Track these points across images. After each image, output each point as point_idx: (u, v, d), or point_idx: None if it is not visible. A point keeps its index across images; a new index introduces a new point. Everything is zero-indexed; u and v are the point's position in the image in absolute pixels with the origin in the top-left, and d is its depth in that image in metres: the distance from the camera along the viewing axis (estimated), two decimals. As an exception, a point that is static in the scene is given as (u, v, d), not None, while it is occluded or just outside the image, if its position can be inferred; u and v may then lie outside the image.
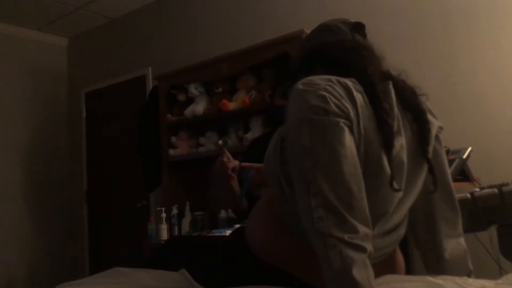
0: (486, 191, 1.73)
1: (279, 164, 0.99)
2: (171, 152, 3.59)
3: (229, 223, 3.22)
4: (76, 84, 5.11)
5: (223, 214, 3.32)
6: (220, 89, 3.40)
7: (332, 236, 0.82)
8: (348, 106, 0.90)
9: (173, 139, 3.62)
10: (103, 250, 4.63)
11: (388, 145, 0.94)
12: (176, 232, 3.48)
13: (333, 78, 0.94)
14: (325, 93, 0.89)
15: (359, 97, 0.94)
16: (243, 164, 1.67)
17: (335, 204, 0.84)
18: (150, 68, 4.30)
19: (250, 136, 3.14)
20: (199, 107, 3.45)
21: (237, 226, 2.66)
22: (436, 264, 1.14)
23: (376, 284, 0.88)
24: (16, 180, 4.60)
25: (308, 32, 2.83)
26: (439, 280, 0.93)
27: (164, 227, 3.42)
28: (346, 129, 0.88)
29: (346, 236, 0.82)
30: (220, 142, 1.82)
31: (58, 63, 5.15)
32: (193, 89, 3.50)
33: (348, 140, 0.87)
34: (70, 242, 4.95)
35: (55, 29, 4.89)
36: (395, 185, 0.94)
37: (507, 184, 1.76)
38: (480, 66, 2.57)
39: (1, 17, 4.47)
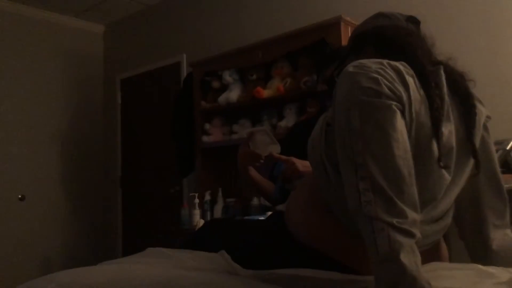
0: (533, 182, 1.67)
1: (324, 148, 0.98)
2: (205, 138, 3.62)
3: (261, 210, 3.22)
4: (112, 71, 5.19)
5: (255, 201, 3.33)
6: (254, 76, 3.38)
7: (380, 220, 0.80)
8: (401, 89, 0.88)
9: (207, 126, 3.64)
10: (136, 233, 4.71)
11: (437, 128, 0.92)
12: (208, 218, 3.51)
13: (384, 61, 0.92)
14: (377, 76, 0.87)
15: (410, 80, 0.91)
16: (271, 155, 1.67)
17: (384, 187, 0.82)
18: (184, 55, 4.31)
19: (284, 124, 3.11)
20: (233, 94, 3.45)
21: (270, 213, 2.66)
22: (483, 255, 1.12)
23: (424, 271, 0.86)
24: (52, 165, 4.73)
25: (347, 18, 2.79)
26: (490, 269, 0.91)
27: (197, 212, 3.45)
28: (398, 113, 0.85)
29: (395, 221, 0.80)
30: (246, 132, 1.82)
31: (94, 50, 5.24)
32: (227, 76, 3.50)
33: (400, 123, 0.85)
34: (104, 227, 5.07)
35: (92, 16, 4.97)
36: (442, 163, 0.92)
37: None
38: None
39: (39, 3, 4.56)
